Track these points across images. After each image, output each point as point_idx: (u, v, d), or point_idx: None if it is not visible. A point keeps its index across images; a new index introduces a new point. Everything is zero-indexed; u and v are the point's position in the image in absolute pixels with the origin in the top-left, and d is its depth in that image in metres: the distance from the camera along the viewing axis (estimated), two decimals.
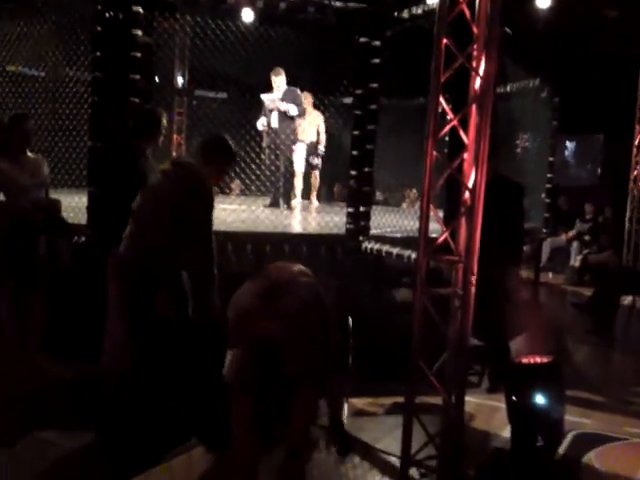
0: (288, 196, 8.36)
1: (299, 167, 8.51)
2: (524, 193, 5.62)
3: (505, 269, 5.12)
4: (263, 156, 8.20)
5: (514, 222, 5.30)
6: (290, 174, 8.39)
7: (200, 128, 9.18)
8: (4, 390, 4.51)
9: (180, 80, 10.64)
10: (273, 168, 8.17)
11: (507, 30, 6.47)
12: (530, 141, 9.47)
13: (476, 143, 3.39)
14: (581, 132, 12.99)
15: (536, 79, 8.83)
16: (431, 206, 3.44)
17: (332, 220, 6.44)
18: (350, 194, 6.46)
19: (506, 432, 3.97)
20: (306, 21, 6.08)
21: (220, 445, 3.81)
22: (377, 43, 6.13)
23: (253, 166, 7.83)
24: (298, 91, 8.16)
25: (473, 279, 3.40)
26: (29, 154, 5.05)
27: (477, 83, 3.39)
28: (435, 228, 3.66)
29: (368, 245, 6.08)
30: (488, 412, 4.72)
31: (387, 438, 4.14)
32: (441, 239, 3.48)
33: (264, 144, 8.26)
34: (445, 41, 3.36)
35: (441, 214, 4.86)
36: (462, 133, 3.45)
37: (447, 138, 4.58)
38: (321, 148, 9.03)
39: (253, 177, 7.94)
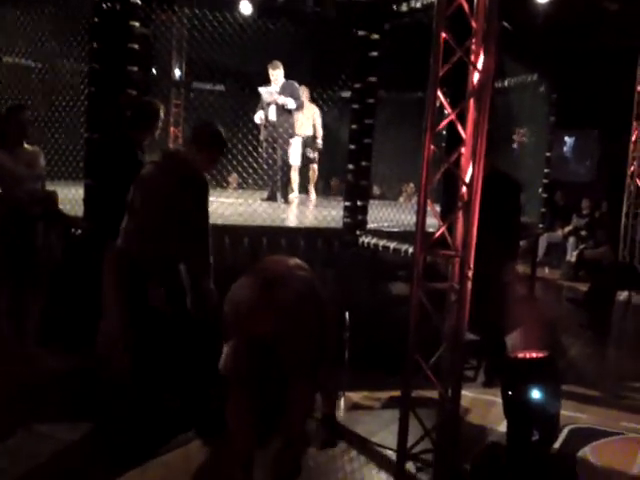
0: (285, 190, 8.34)
1: (295, 161, 8.50)
2: (521, 189, 5.61)
3: (501, 264, 5.12)
4: (260, 150, 8.18)
5: (511, 217, 5.30)
6: (288, 168, 8.37)
7: (197, 121, 9.15)
8: (1, 382, 4.51)
9: (177, 72, 10.60)
10: (270, 162, 8.16)
11: (506, 25, 6.46)
12: (527, 136, 9.45)
13: (474, 138, 3.39)
14: (579, 127, 12.99)
15: (534, 74, 8.82)
16: (428, 200, 3.44)
17: (329, 214, 6.44)
18: (347, 188, 6.45)
19: (502, 426, 3.98)
20: (304, 14, 6.06)
21: (215, 436, 3.82)
22: (376, 37, 6.11)
23: (250, 160, 7.82)
24: (296, 84, 8.14)
25: (469, 273, 3.40)
26: (26, 146, 5.04)
27: (475, 77, 3.39)
28: (432, 222, 3.66)
29: (365, 239, 6.08)
30: (484, 406, 4.73)
31: (383, 432, 4.14)
32: (438, 233, 3.47)
33: (262, 137, 8.24)
34: (444, 35, 3.36)
35: (438, 208, 4.87)
36: (460, 127, 3.45)
37: (445, 132, 4.57)
38: (319, 141, 9.02)
39: (251, 171, 7.93)
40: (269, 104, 8.02)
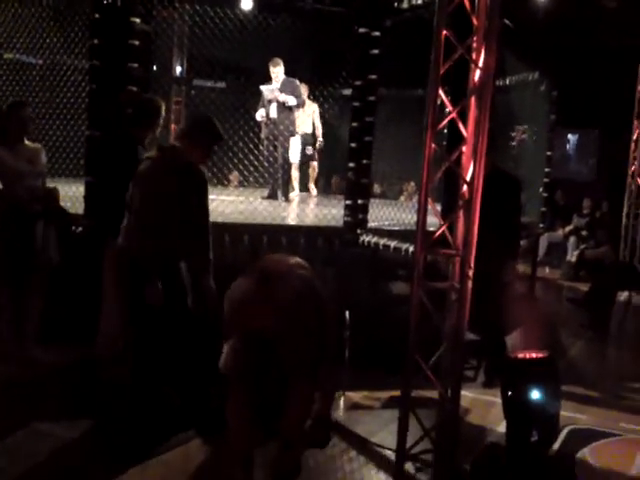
0: (286, 188, 8.33)
1: (295, 158, 8.48)
2: (521, 187, 5.60)
3: (502, 263, 5.11)
4: (261, 147, 8.18)
5: (511, 216, 5.28)
6: (288, 166, 8.36)
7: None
8: (1, 380, 4.50)
9: (178, 69, 10.59)
10: (271, 160, 8.15)
11: (507, 22, 6.44)
12: (528, 134, 9.43)
13: (475, 136, 3.37)
14: (579, 126, 12.97)
15: (535, 72, 8.80)
16: (429, 199, 3.42)
17: (330, 212, 6.43)
18: (348, 186, 6.44)
19: (501, 427, 3.97)
20: (305, 10, 6.04)
21: (215, 434, 3.81)
22: (377, 34, 6.10)
23: (251, 157, 7.82)
24: (297, 82, 8.13)
25: (470, 273, 3.38)
26: (27, 143, 5.03)
27: (476, 75, 3.37)
28: (433, 221, 3.65)
29: (366, 238, 6.06)
30: (484, 406, 4.72)
31: (383, 432, 4.13)
32: (439, 232, 3.46)
33: (263, 135, 8.23)
34: (445, 32, 3.34)
35: (439, 207, 4.86)
36: (461, 126, 3.43)
37: (446, 130, 4.56)
38: (320, 139, 9.00)
39: (251, 168, 7.92)
40: (270, 102, 8.00)
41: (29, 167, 4.93)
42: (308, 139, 8.85)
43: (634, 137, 10.05)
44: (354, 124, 6.20)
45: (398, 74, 7.46)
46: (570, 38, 10.84)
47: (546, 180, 9.29)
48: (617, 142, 10.92)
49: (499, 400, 3.82)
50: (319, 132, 8.99)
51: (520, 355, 3.81)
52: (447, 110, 3.47)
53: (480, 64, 3.35)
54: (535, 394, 3.59)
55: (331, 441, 3.98)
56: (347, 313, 4.67)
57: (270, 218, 6.19)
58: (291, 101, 7.96)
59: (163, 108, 4.86)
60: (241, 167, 7.99)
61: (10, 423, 3.96)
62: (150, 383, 3.97)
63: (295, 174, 8.64)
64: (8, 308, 4.96)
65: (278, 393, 3.41)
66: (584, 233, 11.41)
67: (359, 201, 6.23)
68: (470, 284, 3.40)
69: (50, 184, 5.16)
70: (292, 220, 6.99)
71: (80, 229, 5.36)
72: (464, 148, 3.43)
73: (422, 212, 3.43)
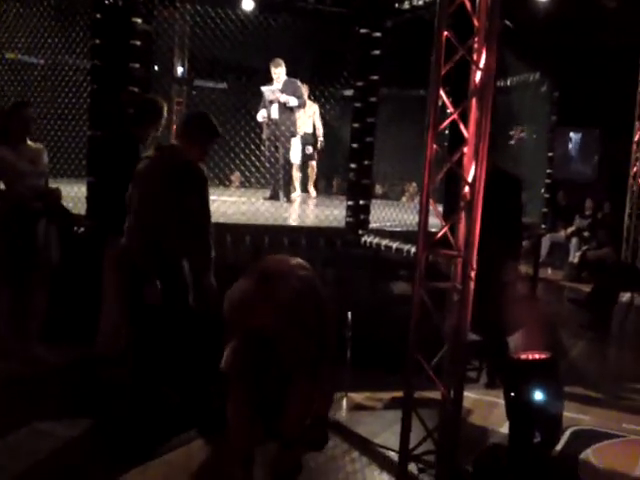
0: (288, 189, 8.33)
1: (295, 159, 8.48)
2: (522, 186, 5.59)
3: (504, 264, 5.10)
4: (263, 148, 8.18)
5: (513, 216, 5.28)
6: (290, 166, 8.36)
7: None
8: (1, 379, 4.50)
9: (180, 69, 10.59)
10: (273, 160, 8.15)
11: (508, 23, 6.44)
12: (529, 135, 9.42)
13: (476, 137, 3.37)
14: (581, 126, 12.97)
15: (536, 73, 8.79)
16: (430, 200, 3.42)
17: (331, 213, 6.42)
18: (349, 187, 6.45)
19: (504, 428, 3.96)
20: (306, 10, 6.04)
21: (215, 432, 3.81)
22: (378, 34, 6.10)
23: (253, 158, 7.82)
24: (298, 82, 8.12)
25: (472, 274, 3.38)
26: (29, 143, 5.03)
27: (477, 76, 3.36)
28: (434, 222, 3.64)
29: (367, 239, 6.07)
30: (486, 407, 4.72)
31: (386, 433, 4.13)
32: (440, 233, 3.45)
33: (264, 136, 8.23)
34: (446, 33, 3.33)
35: (440, 208, 4.85)
36: (462, 127, 3.42)
37: (447, 131, 4.55)
38: (321, 139, 8.99)
39: (253, 169, 7.92)
40: (271, 102, 8.00)
41: (31, 167, 4.94)
42: (308, 139, 8.84)
43: (635, 138, 10.04)
44: (355, 125, 6.21)
45: (399, 74, 7.46)
46: (571, 38, 10.83)
47: (548, 181, 9.29)
48: (618, 142, 10.91)
49: (501, 401, 3.82)
50: (320, 132, 8.98)
51: (522, 356, 3.80)
52: (448, 111, 3.47)
53: (481, 65, 3.34)
54: (537, 395, 3.58)
55: (333, 442, 3.98)
56: (349, 314, 4.67)
57: (272, 219, 6.19)
58: (292, 102, 7.96)
59: (165, 108, 4.87)
60: (243, 168, 7.99)
61: (11, 422, 3.97)
62: (150, 383, 3.98)
63: (296, 175, 8.64)
64: (9, 306, 4.96)
65: (278, 392, 3.41)
66: (586, 234, 11.40)
67: (361, 202, 6.23)
68: (472, 285, 3.39)
69: (52, 184, 5.17)
70: (294, 221, 6.99)
71: (82, 229, 5.36)
72: (465, 149, 3.42)
73: (424, 213, 3.42)
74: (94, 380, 4.54)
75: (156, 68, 7.76)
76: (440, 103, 3.39)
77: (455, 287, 3.45)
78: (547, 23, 9.61)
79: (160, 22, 6.62)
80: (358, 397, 4.78)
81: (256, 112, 8.25)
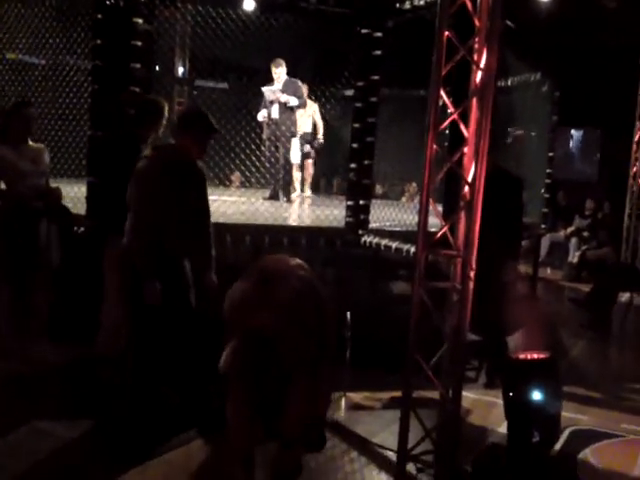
0: (288, 189, 8.33)
1: (295, 159, 8.48)
2: (523, 186, 5.59)
3: (503, 263, 5.10)
4: (263, 148, 8.18)
5: (513, 216, 5.28)
6: (290, 166, 8.37)
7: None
8: (1, 379, 4.51)
9: (181, 69, 10.60)
10: (273, 160, 8.15)
11: (509, 23, 6.44)
12: (529, 135, 9.42)
13: (476, 137, 3.37)
14: (581, 126, 12.97)
15: (537, 73, 8.80)
16: (430, 200, 3.42)
17: (331, 213, 6.43)
18: (350, 187, 6.45)
19: (503, 427, 3.96)
20: (307, 11, 6.04)
21: (215, 432, 3.81)
22: (379, 34, 6.11)
23: (253, 158, 7.82)
24: (299, 82, 8.13)
25: (472, 274, 3.38)
26: (31, 143, 5.05)
27: (478, 76, 3.37)
28: (434, 222, 3.65)
29: (367, 238, 6.07)
30: (485, 407, 4.72)
31: (384, 432, 4.13)
32: (440, 233, 3.46)
33: (264, 136, 8.23)
34: (446, 33, 3.34)
35: (440, 208, 4.85)
36: (462, 127, 3.43)
37: (447, 131, 4.56)
38: (319, 137, 8.96)
39: (253, 169, 7.93)
40: (272, 102, 8.00)
41: (32, 166, 4.95)
42: (307, 138, 8.84)
43: (636, 138, 10.04)
44: (356, 125, 6.21)
45: (400, 75, 7.46)
46: (571, 38, 10.83)
47: (548, 181, 9.29)
48: (619, 142, 10.91)
49: (500, 401, 3.82)
50: (320, 131, 8.96)
51: (521, 356, 3.80)
52: (449, 111, 3.47)
53: (482, 65, 3.35)
54: (536, 395, 3.59)
55: (332, 442, 3.98)
56: (348, 313, 4.67)
57: (272, 219, 6.19)
58: (293, 102, 7.97)
59: (166, 108, 4.87)
60: (243, 168, 8.00)
61: (10, 421, 3.97)
62: (150, 383, 3.98)
63: (297, 175, 8.64)
64: (10, 305, 4.97)
65: (278, 392, 3.41)
66: (586, 234, 11.40)
67: (361, 202, 6.24)
68: (471, 285, 3.40)
69: (52, 184, 5.17)
70: (294, 221, 7.00)
71: (82, 229, 5.36)
72: (465, 149, 3.43)
73: (423, 213, 3.43)
74: (94, 380, 4.54)
75: (157, 68, 7.76)
76: (441, 103, 3.39)
77: (454, 287, 3.46)
78: (548, 23, 9.61)
79: (161, 22, 6.63)
80: (357, 397, 4.78)
81: (257, 112, 8.26)
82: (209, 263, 4.11)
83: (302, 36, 6.46)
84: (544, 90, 9.10)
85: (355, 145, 6.22)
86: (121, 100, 5.18)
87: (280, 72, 7.98)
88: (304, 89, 8.43)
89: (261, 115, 8.17)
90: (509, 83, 8.61)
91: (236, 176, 9.56)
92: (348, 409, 4.61)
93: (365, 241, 6.07)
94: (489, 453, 3.78)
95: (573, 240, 11.47)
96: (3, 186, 5.00)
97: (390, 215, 6.96)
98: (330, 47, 7.23)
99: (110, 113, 5.28)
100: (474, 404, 4.74)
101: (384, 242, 5.86)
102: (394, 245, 5.72)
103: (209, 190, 4.20)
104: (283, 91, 7.95)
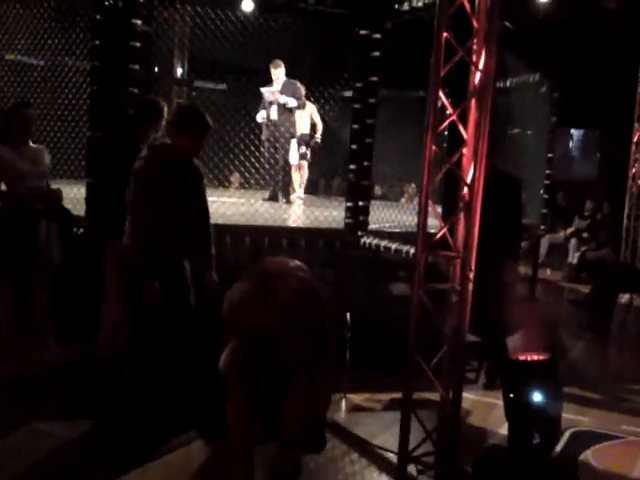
0: (287, 190, 8.32)
1: (293, 160, 8.47)
2: (521, 187, 5.59)
3: (503, 265, 5.11)
4: (262, 149, 8.18)
5: (512, 217, 5.28)
6: (289, 167, 8.36)
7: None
8: (0, 379, 4.51)
9: (179, 70, 10.59)
10: (272, 161, 8.15)
11: (507, 24, 6.44)
12: (522, 131, 9.41)
13: (475, 138, 3.37)
14: (580, 127, 12.97)
15: (536, 74, 8.80)
16: (429, 201, 3.42)
17: (331, 214, 6.43)
18: (349, 188, 6.45)
19: (503, 429, 3.96)
20: (306, 12, 6.05)
21: (215, 433, 3.81)
22: (377, 36, 6.11)
23: (252, 159, 7.82)
24: (298, 84, 8.12)
25: (471, 275, 3.38)
26: (31, 144, 5.05)
27: (477, 77, 3.37)
28: (433, 223, 3.65)
29: (366, 240, 6.07)
30: (485, 408, 4.72)
31: (385, 434, 4.13)
32: (439, 234, 3.46)
33: (263, 137, 8.23)
34: (445, 35, 3.33)
35: (439, 209, 4.86)
36: (461, 128, 3.43)
37: (446, 132, 4.56)
38: (317, 136, 8.93)
39: (252, 170, 7.92)
40: (271, 103, 8.00)
41: (32, 167, 4.95)
42: (305, 139, 8.81)
43: (635, 139, 10.05)
44: (355, 126, 6.21)
45: (399, 76, 7.46)
46: (570, 39, 10.84)
47: (547, 182, 9.29)
48: (618, 143, 10.91)
49: (501, 402, 3.82)
50: (319, 131, 8.94)
51: (521, 357, 3.80)
52: (448, 112, 3.47)
53: (480, 66, 3.34)
54: (537, 396, 3.58)
55: (332, 443, 3.98)
56: (348, 315, 4.67)
57: (271, 220, 6.19)
58: (292, 103, 7.97)
59: (165, 109, 4.87)
60: (242, 169, 7.99)
61: (10, 422, 3.97)
62: (150, 383, 3.98)
63: (296, 176, 8.62)
64: (10, 306, 4.97)
65: (278, 393, 3.41)
66: (585, 235, 11.40)
67: (360, 203, 6.24)
68: (471, 286, 3.39)
69: (52, 186, 5.18)
70: (293, 222, 6.99)
71: (81, 230, 5.36)
72: (464, 150, 3.42)
73: (423, 214, 3.42)
74: (94, 380, 4.54)
75: (156, 69, 7.75)
76: (439, 104, 3.39)
77: (454, 288, 3.45)
78: (547, 24, 9.62)
79: (160, 23, 6.61)
80: (357, 398, 4.78)
81: (256, 113, 8.25)
82: (209, 262, 4.12)
83: (301, 37, 6.46)
84: (543, 91, 9.10)
85: (354, 146, 6.22)
86: (120, 101, 5.18)
87: (279, 73, 7.98)
88: (303, 90, 8.42)
89: (260, 116, 8.17)
90: (508, 84, 8.61)
91: (235, 177, 9.55)
92: (348, 410, 4.61)
93: (364, 242, 6.06)
94: (489, 454, 3.77)
95: (572, 241, 11.48)
96: (3, 187, 5.00)
97: (389, 216, 6.95)
98: (329, 48, 7.23)
99: (109, 114, 5.28)
100: (474, 405, 4.74)
101: (383, 243, 5.86)
102: (393, 246, 5.72)
103: (208, 191, 4.20)
104: (282, 92, 7.95)
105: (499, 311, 4.94)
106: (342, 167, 7.12)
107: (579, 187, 12.44)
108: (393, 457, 3.71)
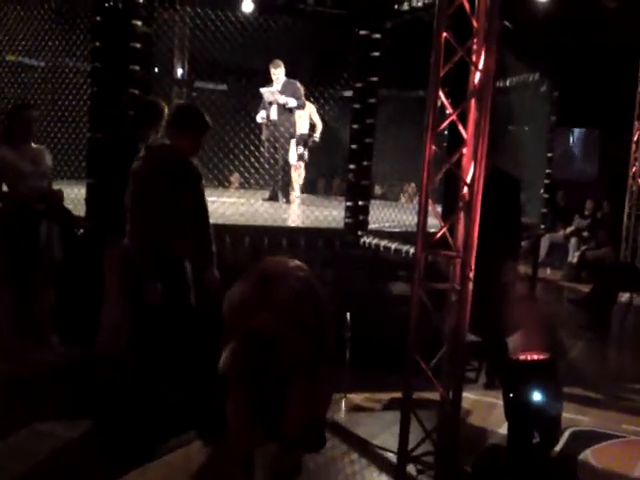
0: (287, 190, 8.33)
1: (293, 160, 8.48)
2: (521, 187, 5.60)
3: (503, 264, 5.11)
4: (262, 149, 8.18)
5: (512, 217, 5.28)
6: (289, 167, 8.36)
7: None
8: (1, 380, 4.51)
9: (180, 71, 10.59)
10: (272, 161, 8.15)
11: (507, 24, 6.44)
12: (519, 129, 9.41)
13: (475, 138, 3.37)
14: (580, 126, 12.97)
15: (536, 73, 8.80)
16: (429, 201, 3.42)
17: (330, 214, 6.43)
18: (348, 188, 6.45)
19: (503, 428, 3.96)
20: (305, 12, 6.05)
21: (215, 434, 3.81)
22: (377, 36, 6.11)
23: (252, 159, 7.82)
24: (298, 84, 8.12)
25: (471, 274, 3.38)
26: (32, 145, 5.06)
27: (477, 77, 3.37)
28: (433, 223, 3.65)
29: (366, 239, 6.07)
30: (485, 408, 4.72)
31: (384, 434, 4.13)
32: (439, 234, 3.46)
33: (263, 137, 8.23)
34: (445, 35, 3.34)
35: (439, 209, 4.86)
36: (461, 128, 3.43)
37: (446, 132, 4.56)
38: (316, 135, 8.93)
39: (252, 170, 7.93)
40: (271, 103, 8.01)
41: (33, 167, 4.97)
42: (305, 139, 8.81)
43: (635, 138, 10.05)
44: (354, 126, 6.22)
45: (398, 76, 7.47)
46: (570, 38, 10.84)
47: (547, 181, 9.29)
48: (618, 142, 10.91)
49: (500, 402, 3.82)
50: (318, 130, 8.94)
51: (521, 357, 3.80)
52: (447, 112, 3.47)
53: (480, 66, 3.35)
54: (536, 396, 3.59)
55: (332, 443, 3.98)
56: (348, 314, 4.67)
57: (271, 220, 6.20)
58: (291, 103, 7.97)
59: (165, 110, 4.87)
60: (242, 169, 8.00)
61: (11, 422, 3.97)
62: (150, 383, 3.98)
63: (295, 177, 8.63)
64: (11, 307, 4.98)
65: (278, 393, 3.42)
66: (585, 234, 11.40)
67: (360, 203, 6.24)
68: (471, 286, 3.40)
69: (54, 187, 5.19)
70: (293, 222, 7.00)
71: (81, 231, 5.37)
72: (464, 150, 3.43)
73: (422, 213, 3.43)
74: (94, 380, 4.55)
75: (156, 70, 7.75)
76: (439, 104, 3.39)
77: (454, 288, 3.46)
78: (546, 23, 9.62)
79: (160, 24, 6.62)
80: (357, 398, 4.78)
81: (256, 113, 8.26)
82: (210, 259, 4.12)
83: (300, 38, 6.46)
84: (543, 90, 9.10)
85: (354, 146, 6.23)
86: (121, 102, 5.19)
87: (279, 73, 7.98)
88: (302, 90, 8.42)
89: (260, 116, 8.17)
90: (508, 83, 8.61)
91: (235, 177, 9.56)
92: (348, 410, 4.61)
93: (364, 242, 6.07)
94: (489, 454, 3.77)
95: (572, 240, 11.48)
96: (5, 188, 5.00)
97: (389, 216, 6.96)
98: (328, 48, 7.22)
99: (109, 115, 5.29)
100: (474, 405, 4.74)
101: (383, 243, 5.86)
102: (393, 246, 5.72)
103: (208, 191, 4.20)
104: (282, 92, 7.95)
105: (499, 311, 4.94)
106: (342, 167, 7.12)
107: (579, 186, 12.44)
108: (393, 457, 3.71)
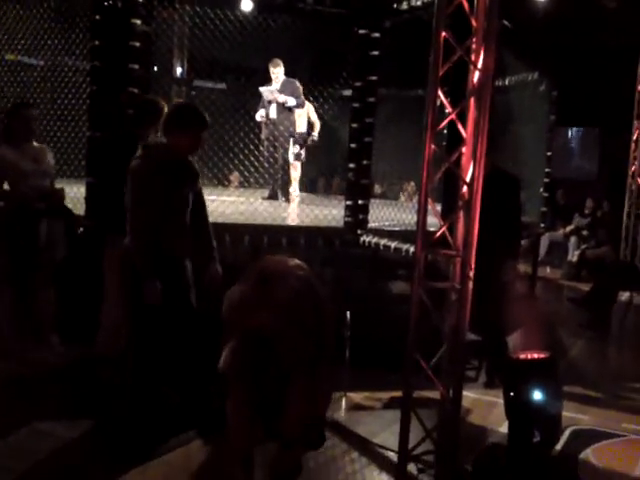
0: (286, 188, 8.33)
1: (291, 159, 8.47)
2: (521, 186, 5.60)
3: (502, 263, 5.11)
4: (262, 148, 8.18)
5: (512, 216, 5.28)
6: (288, 166, 8.36)
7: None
8: (1, 379, 4.51)
9: (179, 70, 10.59)
10: (271, 160, 8.15)
11: (506, 23, 6.44)
12: (518, 127, 9.41)
13: (474, 137, 3.37)
14: (579, 126, 12.97)
15: (535, 72, 8.80)
16: (429, 200, 3.42)
17: (330, 213, 6.44)
18: (348, 187, 6.45)
19: (503, 427, 3.97)
20: (305, 11, 6.05)
21: (214, 432, 3.81)
22: (376, 35, 6.12)
23: (252, 158, 7.82)
24: (297, 83, 8.12)
25: (470, 273, 3.38)
26: (34, 143, 5.06)
27: (476, 76, 3.37)
28: (433, 222, 3.65)
29: (366, 238, 6.07)
30: (485, 407, 4.72)
31: (385, 432, 4.13)
32: (439, 233, 3.46)
33: (263, 136, 8.23)
34: (444, 34, 3.34)
35: (439, 208, 4.86)
36: (460, 127, 3.43)
37: (445, 131, 4.56)
38: (315, 134, 8.92)
39: (252, 169, 7.93)
40: (270, 102, 8.01)
41: (34, 166, 4.97)
42: (304, 137, 8.80)
43: (634, 137, 10.05)
44: (354, 125, 6.22)
45: (397, 75, 7.47)
46: (569, 38, 10.84)
47: (546, 180, 9.30)
48: (617, 141, 10.91)
49: (501, 400, 3.82)
50: (317, 129, 8.93)
51: (521, 355, 3.80)
52: (447, 111, 3.47)
53: (479, 65, 3.35)
54: (537, 394, 3.59)
55: (332, 442, 3.98)
56: (347, 313, 4.67)
57: (270, 219, 6.20)
58: (291, 102, 7.97)
59: (165, 109, 4.87)
60: (241, 168, 8.00)
61: (11, 422, 3.97)
62: (150, 383, 3.98)
63: (294, 175, 8.62)
64: (11, 306, 4.98)
65: (278, 392, 3.42)
66: (585, 233, 11.41)
67: (359, 201, 6.24)
68: (470, 285, 3.40)
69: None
70: (292, 221, 7.00)
71: (81, 230, 5.37)
72: (464, 149, 3.43)
73: (422, 212, 3.43)
74: (94, 380, 4.54)
75: (155, 69, 7.75)
76: (438, 103, 3.39)
77: (454, 287, 3.46)
78: (546, 23, 9.62)
79: (159, 23, 6.62)
80: (357, 397, 4.78)
81: (255, 112, 8.26)
82: (212, 255, 4.12)
83: (300, 36, 6.46)
84: (542, 89, 9.10)
85: (353, 145, 6.23)
86: (120, 101, 5.19)
87: (278, 72, 7.98)
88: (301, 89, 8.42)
89: (259, 115, 8.17)
90: (507, 83, 8.62)
91: (235, 176, 9.55)
92: (348, 409, 4.61)
93: (364, 241, 6.07)
94: (490, 453, 3.77)
95: (572, 239, 11.48)
96: (6, 187, 5.00)
97: (389, 215, 6.96)
98: (328, 47, 7.23)
99: (109, 114, 5.29)
100: (474, 404, 4.74)
101: (383, 242, 5.86)
102: (393, 245, 5.72)
103: (208, 190, 4.20)
104: (281, 91, 7.95)
105: (499, 310, 4.94)
106: (341, 166, 7.12)
107: (579, 185, 12.44)
108: (393, 456, 3.71)
